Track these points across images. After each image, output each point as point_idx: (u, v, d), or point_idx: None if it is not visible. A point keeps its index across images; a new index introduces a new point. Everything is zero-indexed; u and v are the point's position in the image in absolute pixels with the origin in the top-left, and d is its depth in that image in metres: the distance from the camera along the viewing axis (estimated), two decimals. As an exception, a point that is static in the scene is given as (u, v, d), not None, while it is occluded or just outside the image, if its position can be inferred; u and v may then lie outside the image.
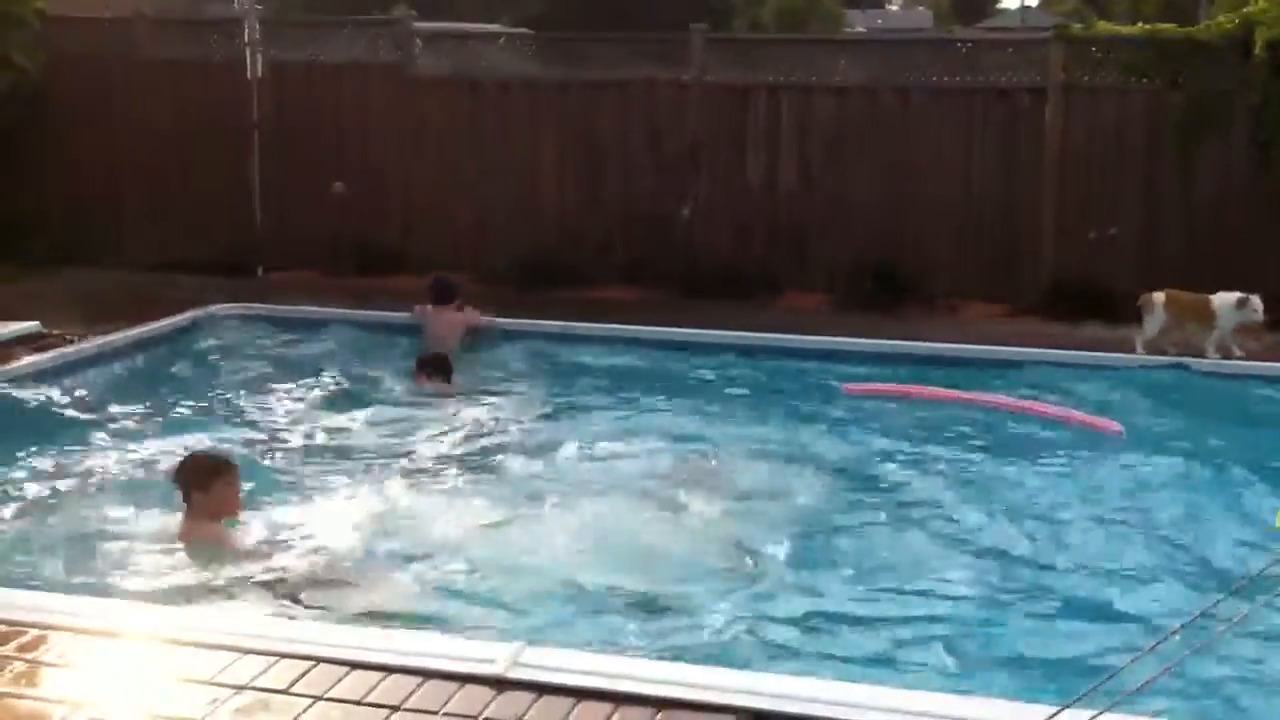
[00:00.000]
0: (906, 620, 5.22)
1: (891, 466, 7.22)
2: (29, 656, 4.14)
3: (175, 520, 5.81)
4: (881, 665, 4.74)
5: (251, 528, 5.88)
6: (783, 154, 12.15)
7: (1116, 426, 7.80)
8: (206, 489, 5.71)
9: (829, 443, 7.69)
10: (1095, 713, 3.44)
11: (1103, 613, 5.29)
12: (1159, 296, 9.70)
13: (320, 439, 7.66)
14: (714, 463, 7.11)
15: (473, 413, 8.21)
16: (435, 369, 8.74)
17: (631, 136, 12.37)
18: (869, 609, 5.32)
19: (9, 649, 4.18)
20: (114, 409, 8.04)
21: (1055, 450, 7.55)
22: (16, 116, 12.49)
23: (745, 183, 12.22)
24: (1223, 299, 9.60)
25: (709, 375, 9.15)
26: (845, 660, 4.75)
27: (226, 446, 7.17)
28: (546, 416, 8.26)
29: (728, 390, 8.79)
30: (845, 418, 8.21)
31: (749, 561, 5.79)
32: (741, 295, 11.48)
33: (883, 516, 6.43)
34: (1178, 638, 3.42)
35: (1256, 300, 9.54)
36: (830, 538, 6.15)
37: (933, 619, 5.22)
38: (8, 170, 12.75)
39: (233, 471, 5.88)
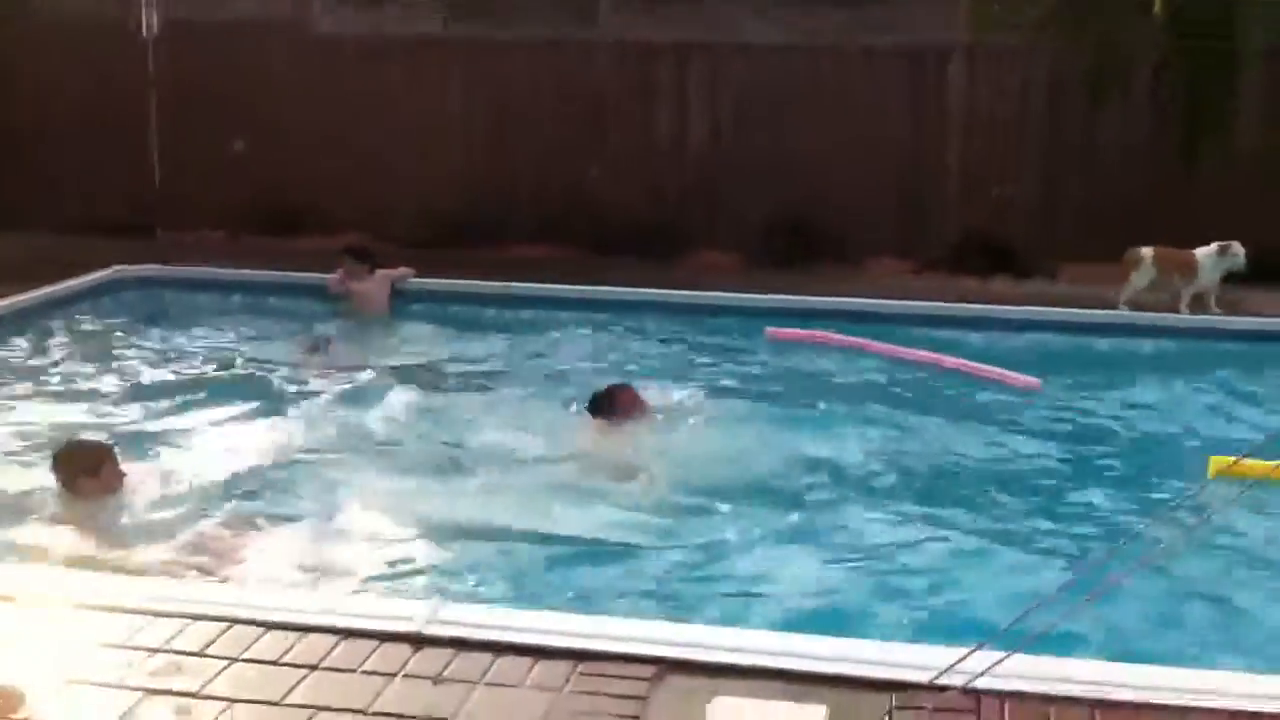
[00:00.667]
0: (834, 571, 5.26)
1: (815, 413, 7.33)
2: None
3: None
4: (816, 617, 4.75)
5: (143, 496, 5.81)
6: (693, 112, 12.11)
7: (1035, 382, 7.92)
8: (96, 473, 5.68)
9: (754, 393, 7.78)
10: (1007, 653, 3.53)
11: (1027, 557, 5.40)
12: (1147, 252, 9.78)
13: (221, 402, 7.49)
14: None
15: (386, 376, 8.12)
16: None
17: (539, 94, 12.25)
18: (793, 560, 5.34)
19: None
20: (7, 374, 7.90)
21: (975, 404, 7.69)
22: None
23: (655, 141, 12.17)
24: (1204, 252, 9.71)
25: (627, 332, 9.15)
26: (774, 610, 4.79)
27: (106, 418, 7.13)
28: (466, 377, 8.22)
29: (652, 347, 8.80)
30: (769, 367, 8.27)
31: (672, 516, 5.81)
32: (652, 253, 11.45)
33: (808, 466, 6.47)
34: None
35: (1237, 246, 9.62)
36: (756, 490, 6.14)
37: (858, 570, 5.27)
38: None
39: (113, 453, 5.87)
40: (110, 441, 6.15)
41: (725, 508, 5.86)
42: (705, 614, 4.63)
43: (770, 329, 8.91)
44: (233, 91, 12.39)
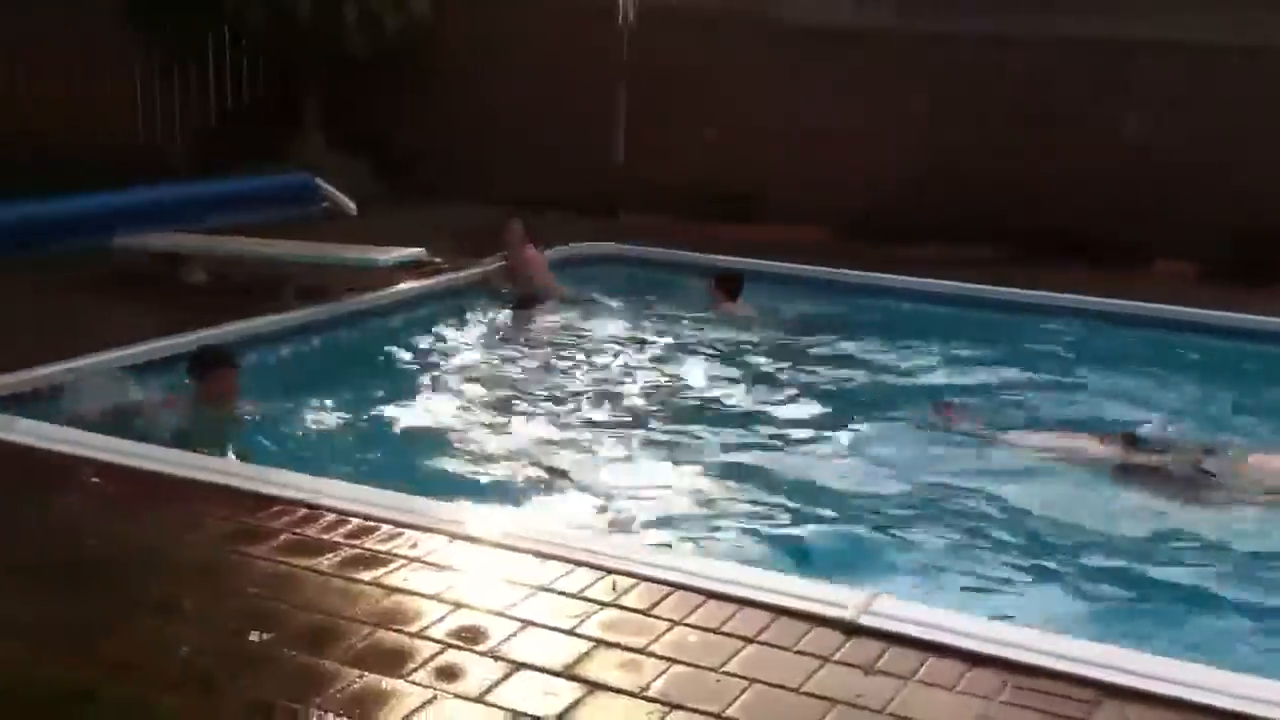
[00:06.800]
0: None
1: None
2: (412, 554, 4.50)
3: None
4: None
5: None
6: (1158, 115, 11.51)
7: None
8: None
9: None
10: None
11: None
12: None
13: (676, 386, 7.87)
14: None
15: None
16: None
17: (989, 89, 11.97)
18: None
19: (401, 548, 4.55)
20: (474, 336, 8.68)
21: None
22: (405, 55, 13.22)
23: (1114, 143, 11.65)
24: None
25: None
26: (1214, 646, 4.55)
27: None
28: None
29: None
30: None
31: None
32: (1102, 260, 10.96)
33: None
34: None
35: None
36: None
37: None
38: (393, 105, 13.55)
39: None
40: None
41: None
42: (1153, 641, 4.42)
43: None
44: (694, 79, 12.84)
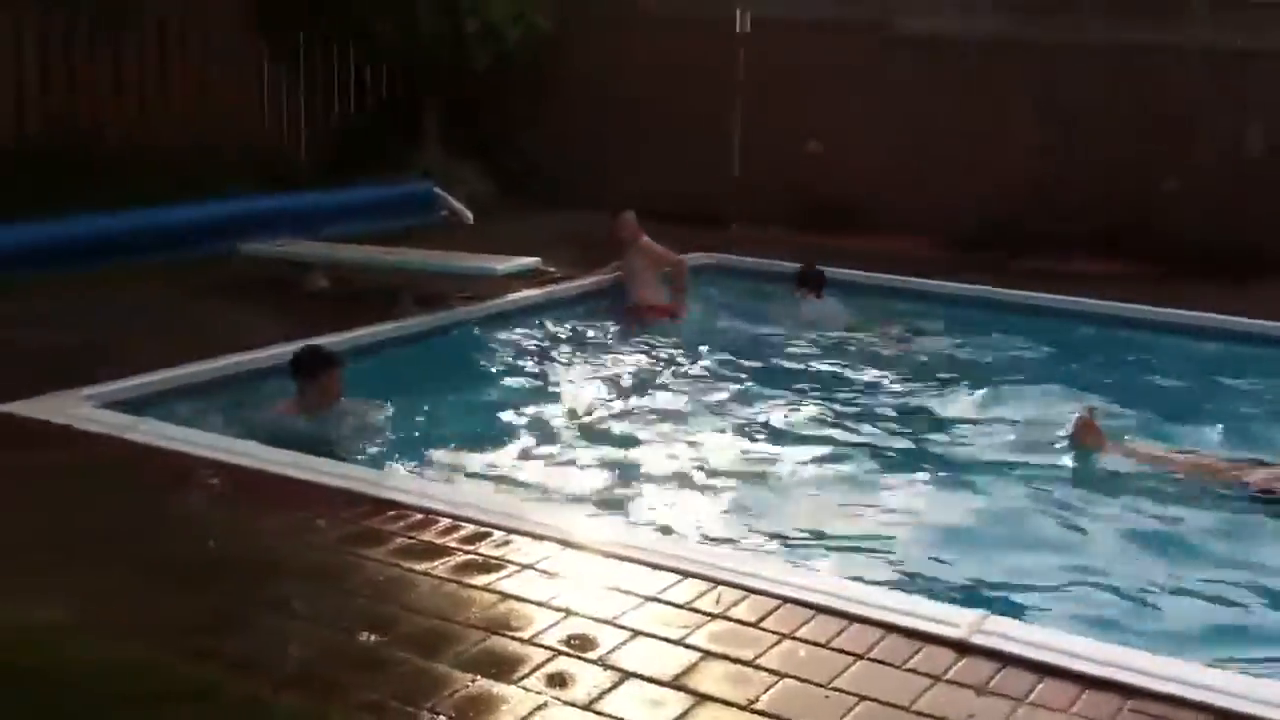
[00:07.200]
0: None
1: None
2: (524, 560, 4.55)
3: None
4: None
5: None
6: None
7: None
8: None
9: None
10: None
11: None
12: None
13: (783, 397, 7.77)
14: None
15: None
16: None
17: (1108, 102, 11.70)
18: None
19: (513, 554, 4.61)
20: (587, 345, 8.74)
21: None
22: (525, 65, 13.34)
23: (1242, 155, 11.33)
24: None
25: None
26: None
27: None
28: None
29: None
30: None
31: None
32: (1227, 275, 10.64)
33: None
34: None
35: None
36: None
37: None
38: (511, 114, 13.69)
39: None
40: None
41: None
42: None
43: None
44: (805, 89, 12.76)
